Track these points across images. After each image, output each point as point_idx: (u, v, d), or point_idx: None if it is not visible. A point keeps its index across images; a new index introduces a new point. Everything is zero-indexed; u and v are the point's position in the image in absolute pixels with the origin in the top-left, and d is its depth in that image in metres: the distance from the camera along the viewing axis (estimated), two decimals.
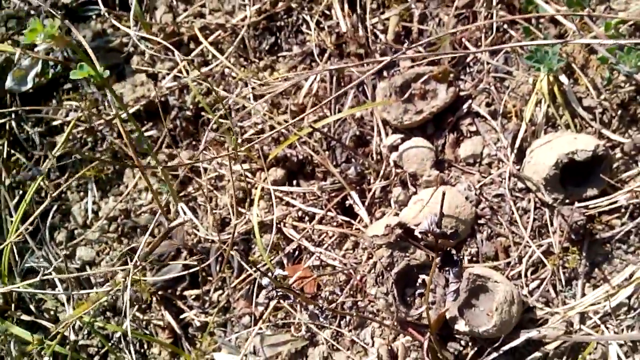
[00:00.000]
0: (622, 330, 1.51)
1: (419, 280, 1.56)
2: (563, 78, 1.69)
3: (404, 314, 1.53)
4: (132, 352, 1.41)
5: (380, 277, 1.55)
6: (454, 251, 1.32)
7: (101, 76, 1.19)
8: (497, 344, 1.47)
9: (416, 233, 1.37)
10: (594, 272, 1.58)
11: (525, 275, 1.60)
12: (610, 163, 1.58)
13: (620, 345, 1.47)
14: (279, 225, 1.75)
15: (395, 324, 1.53)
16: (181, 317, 1.79)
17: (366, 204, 1.73)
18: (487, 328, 1.45)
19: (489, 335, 1.46)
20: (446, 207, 1.59)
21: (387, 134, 1.78)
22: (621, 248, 1.58)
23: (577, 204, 1.57)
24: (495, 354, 1.48)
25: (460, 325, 1.48)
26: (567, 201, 1.58)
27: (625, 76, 1.64)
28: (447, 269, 1.37)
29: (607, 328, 1.51)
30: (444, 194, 1.25)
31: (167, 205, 1.86)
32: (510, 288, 1.48)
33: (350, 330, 1.63)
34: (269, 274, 1.30)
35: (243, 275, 1.74)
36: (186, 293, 1.79)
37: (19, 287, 1.55)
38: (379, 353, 1.52)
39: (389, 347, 1.55)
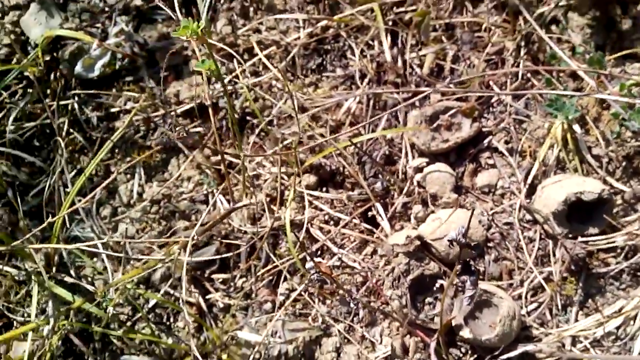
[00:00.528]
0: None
1: (433, 288, 1.74)
2: (576, 127, 1.89)
3: (414, 316, 1.70)
4: (186, 311, 1.56)
5: (397, 282, 1.73)
6: (472, 262, 1.49)
7: (219, 71, 1.37)
8: (495, 353, 1.63)
9: (444, 241, 1.54)
10: (588, 302, 1.76)
11: (526, 297, 1.77)
12: (612, 207, 1.77)
13: None
14: (307, 226, 1.93)
15: (406, 324, 1.70)
16: (207, 297, 1.95)
17: (388, 216, 1.91)
18: (490, 337, 1.62)
19: (490, 344, 1.63)
20: (462, 226, 1.77)
21: (413, 157, 1.97)
22: (614, 284, 1.76)
23: (579, 239, 1.75)
24: None
25: (465, 332, 1.65)
26: (570, 236, 1.77)
27: (632, 132, 1.85)
28: (464, 277, 1.54)
29: (596, 353, 1.68)
30: (472, 210, 1.44)
31: (206, 196, 2.04)
32: (513, 305, 1.66)
33: (362, 327, 1.80)
34: (307, 263, 1.48)
35: (269, 267, 1.91)
36: (214, 276, 1.96)
37: (68, 248, 1.72)
38: (393, 346, 1.69)
39: (402, 342, 1.72)
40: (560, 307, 1.76)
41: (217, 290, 1.96)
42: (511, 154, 1.94)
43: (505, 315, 1.62)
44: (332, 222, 1.95)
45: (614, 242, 1.77)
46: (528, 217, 1.86)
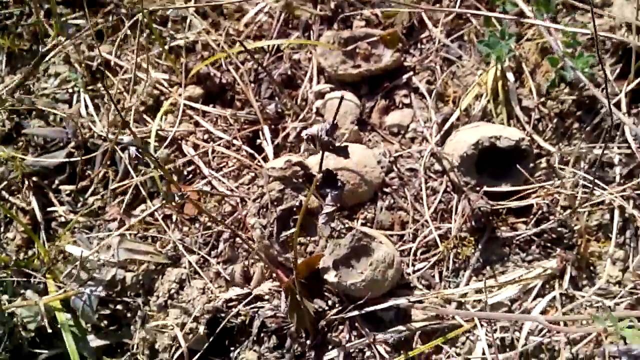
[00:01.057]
0: (496, 330, 1.39)
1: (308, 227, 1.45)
2: (510, 76, 1.63)
3: (277, 252, 1.40)
4: None
5: (264, 210, 1.43)
6: (339, 175, 1.18)
7: None
8: (360, 302, 1.33)
9: (303, 134, 1.22)
10: (485, 269, 1.47)
11: (415, 254, 1.48)
12: (530, 160, 1.49)
13: (489, 346, 1.35)
14: (179, 141, 1.63)
15: (265, 258, 1.40)
16: (48, 209, 1.63)
17: (275, 143, 1.62)
18: (356, 281, 1.32)
19: (356, 291, 1.33)
20: (354, 162, 1.49)
21: (318, 82, 1.69)
22: (519, 254, 1.48)
23: (484, 190, 1.47)
24: (356, 312, 1.35)
25: (330, 276, 1.35)
26: (477, 188, 1.48)
27: (569, 86, 1.58)
28: (326, 189, 1.23)
29: (482, 325, 1.39)
30: (342, 98, 1.15)
31: (71, 96, 1.73)
32: (392, 252, 1.37)
33: (219, 262, 1.50)
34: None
35: (126, 182, 1.60)
36: (61, 187, 1.65)
37: None
38: (233, 270, 1.39)
39: (245, 269, 1.42)
40: (451, 269, 1.47)
41: (62, 203, 1.64)
42: (431, 97, 1.66)
43: (379, 259, 1.33)
44: (210, 142, 1.65)
45: (526, 204, 1.49)
46: (437, 167, 1.58)
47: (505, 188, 1.49)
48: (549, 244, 1.48)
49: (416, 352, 1.33)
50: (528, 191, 1.49)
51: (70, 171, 1.64)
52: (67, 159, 1.62)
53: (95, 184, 1.62)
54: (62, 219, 1.61)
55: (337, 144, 1.10)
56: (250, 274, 1.44)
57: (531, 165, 1.50)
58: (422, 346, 1.34)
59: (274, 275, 1.40)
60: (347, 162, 1.48)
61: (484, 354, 1.34)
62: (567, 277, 1.41)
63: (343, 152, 1.12)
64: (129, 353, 1.47)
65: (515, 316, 1.33)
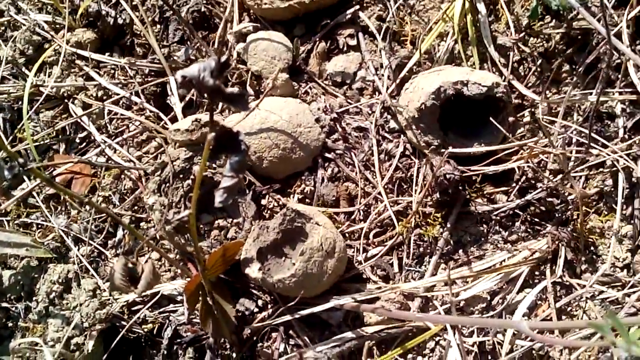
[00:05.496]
0: (473, 333, 1.09)
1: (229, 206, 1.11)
2: (482, 7, 1.30)
3: (185, 240, 1.07)
4: None
5: (166, 185, 1.10)
6: (241, 134, 0.84)
7: None
8: (292, 304, 1.02)
9: (177, 76, 0.86)
10: (457, 253, 1.16)
11: (367, 237, 1.17)
12: (509, 114, 1.18)
13: (467, 353, 1.05)
14: (66, 101, 1.28)
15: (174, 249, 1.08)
16: None
17: (187, 99, 1.27)
18: (284, 277, 1.00)
19: (286, 289, 1.02)
20: (285, 119, 1.16)
21: (240, 21, 1.34)
22: (500, 233, 1.18)
23: (449, 151, 1.15)
24: (287, 317, 1.03)
25: (252, 270, 1.03)
26: (442, 150, 1.16)
27: (555, 18, 1.26)
28: (224, 155, 0.89)
29: (454, 329, 1.08)
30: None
31: None
32: (333, 235, 1.05)
33: (117, 255, 1.17)
34: None
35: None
36: None
37: None
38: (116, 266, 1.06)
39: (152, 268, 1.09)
40: (414, 255, 1.16)
41: None
42: (385, 38, 1.32)
43: (313, 247, 1.01)
44: (106, 99, 1.30)
45: (506, 167, 1.18)
46: (393, 124, 1.26)
47: (477, 148, 1.17)
48: (536, 219, 1.18)
49: None
50: (507, 151, 1.18)
51: None
52: None
53: None
54: None
55: (232, 91, 0.76)
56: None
57: (510, 119, 1.18)
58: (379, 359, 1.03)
59: (182, 271, 1.08)
60: (276, 120, 1.15)
61: None
62: (560, 262, 1.12)
63: (239, 102, 0.78)
64: None
65: (492, 321, 1.03)
